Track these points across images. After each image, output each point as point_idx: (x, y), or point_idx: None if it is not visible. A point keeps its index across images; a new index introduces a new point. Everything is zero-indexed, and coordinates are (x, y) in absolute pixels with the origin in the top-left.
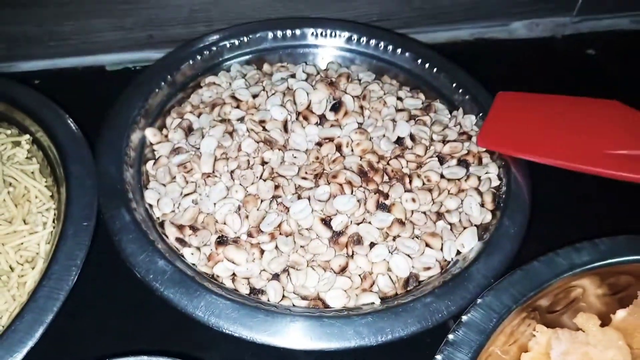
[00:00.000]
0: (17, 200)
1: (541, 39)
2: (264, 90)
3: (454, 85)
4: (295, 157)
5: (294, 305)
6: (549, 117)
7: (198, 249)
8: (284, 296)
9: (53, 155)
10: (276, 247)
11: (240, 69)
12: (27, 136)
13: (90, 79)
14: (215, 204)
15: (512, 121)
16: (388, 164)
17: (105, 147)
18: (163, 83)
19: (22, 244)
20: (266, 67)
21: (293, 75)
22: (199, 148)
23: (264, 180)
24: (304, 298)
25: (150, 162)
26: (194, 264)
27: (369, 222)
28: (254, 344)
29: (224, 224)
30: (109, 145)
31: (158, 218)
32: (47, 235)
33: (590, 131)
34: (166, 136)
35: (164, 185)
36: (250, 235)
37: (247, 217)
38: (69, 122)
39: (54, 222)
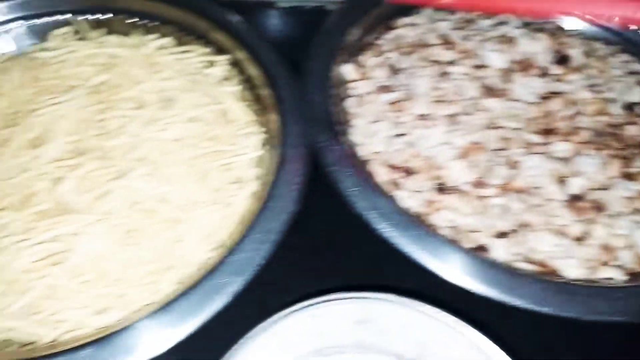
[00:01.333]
0: (219, 119)
1: None
2: (474, 35)
3: None
4: (517, 108)
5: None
6: None
7: (414, 193)
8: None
9: (257, 80)
10: (504, 203)
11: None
12: (227, 56)
13: (259, 12)
14: (433, 147)
15: None
16: (620, 129)
17: (312, 79)
18: (359, 19)
19: (228, 164)
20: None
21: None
22: (408, 88)
23: (490, 129)
24: (530, 262)
25: (350, 99)
26: (408, 209)
27: (611, 190)
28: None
29: (443, 170)
30: (314, 77)
31: (362, 157)
32: (254, 158)
33: None
34: (364, 74)
35: (371, 123)
36: (475, 186)
37: (471, 166)
38: (273, 48)
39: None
